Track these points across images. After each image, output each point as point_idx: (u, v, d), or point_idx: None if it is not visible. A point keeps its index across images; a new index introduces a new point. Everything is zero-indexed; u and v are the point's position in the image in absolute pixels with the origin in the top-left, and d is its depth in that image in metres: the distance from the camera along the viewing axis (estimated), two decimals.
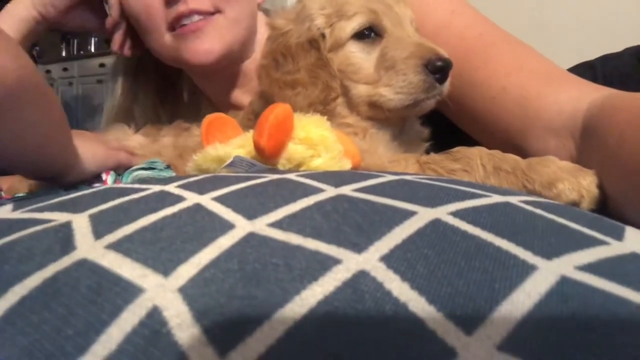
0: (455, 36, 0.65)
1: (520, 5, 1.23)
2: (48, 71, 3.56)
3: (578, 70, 0.62)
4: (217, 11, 0.67)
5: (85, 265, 0.20)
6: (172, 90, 0.87)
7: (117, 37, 0.76)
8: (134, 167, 0.59)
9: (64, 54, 3.57)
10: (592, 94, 0.52)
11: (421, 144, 0.65)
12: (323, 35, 0.61)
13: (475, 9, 0.69)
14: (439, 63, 0.56)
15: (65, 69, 3.56)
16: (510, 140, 0.58)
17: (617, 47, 0.74)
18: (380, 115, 0.60)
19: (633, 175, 0.40)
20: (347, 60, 0.60)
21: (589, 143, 0.49)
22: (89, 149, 0.58)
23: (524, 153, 0.50)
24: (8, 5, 0.76)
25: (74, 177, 0.57)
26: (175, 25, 0.67)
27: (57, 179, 0.56)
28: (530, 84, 0.58)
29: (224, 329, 0.17)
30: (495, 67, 0.62)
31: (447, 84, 0.58)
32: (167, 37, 0.69)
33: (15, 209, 0.28)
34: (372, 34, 0.60)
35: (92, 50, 3.36)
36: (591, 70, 0.68)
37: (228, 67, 0.72)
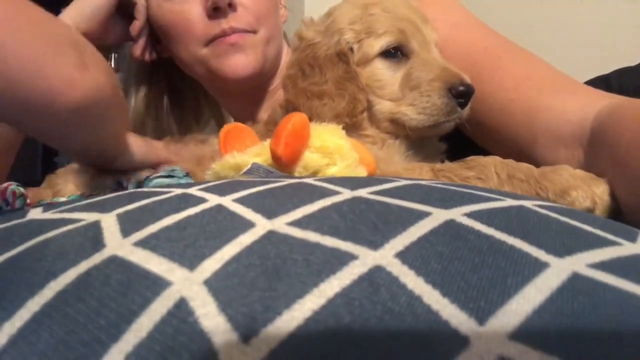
0: (461, 49, 0.66)
1: (534, 18, 1.23)
2: None
3: (593, 84, 0.62)
4: (252, 31, 0.70)
5: (115, 262, 0.21)
6: (179, 98, 0.89)
7: (141, 43, 0.77)
8: (154, 175, 0.60)
9: None
10: (600, 102, 0.52)
11: (438, 157, 0.65)
12: (351, 49, 0.62)
13: (481, 21, 0.70)
14: (462, 88, 0.57)
15: None
16: (521, 151, 0.59)
17: (633, 61, 0.74)
18: (400, 132, 0.61)
19: None
20: (373, 76, 0.61)
21: (597, 151, 0.49)
22: (135, 141, 0.63)
23: (535, 163, 0.50)
24: None
25: (121, 165, 0.62)
26: (213, 39, 0.69)
27: (107, 163, 0.61)
28: (537, 94, 0.59)
29: (247, 317, 0.18)
30: (502, 79, 0.62)
31: (467, 109, 0.59)
32: (203, 51, 0.70)
33: (45, 210, 0.29)
34: (399, 54, 0.61)
35: (113, 66, 3.44)
36: (606, 84, 0.68)
37: (255, 84, 0.74)
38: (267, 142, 0.40)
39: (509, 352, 0.16)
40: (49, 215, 0.28)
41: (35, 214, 0.29)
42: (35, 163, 1.99)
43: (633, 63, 0.74)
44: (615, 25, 1.16)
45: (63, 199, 0.58)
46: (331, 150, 0.40)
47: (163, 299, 0.19)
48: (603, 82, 0.70)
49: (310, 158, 0.39)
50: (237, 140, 0.45)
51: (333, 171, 0.40)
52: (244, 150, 0.42)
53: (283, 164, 0.38)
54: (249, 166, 0.38)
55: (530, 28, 1.09)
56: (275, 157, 0.38)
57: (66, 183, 0.67)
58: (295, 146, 0.38)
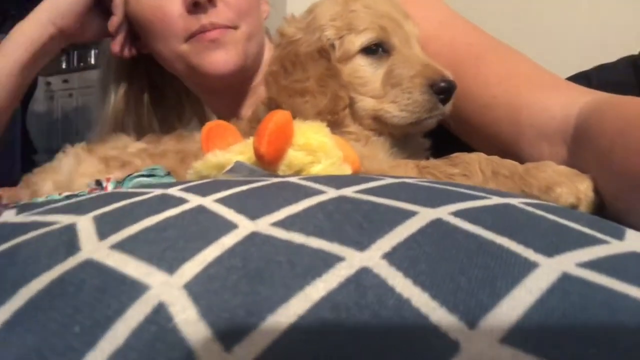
0: (444, 47, 0.66)
1: (518, 14, 1.24)
2: (48, 83, 3.59)
3: (574, 80, 0.62)
4: (233, 27, 0.68)
5: (90, 266, 0.20)
6: (160, 95, 0.87)
7: (120, 39, 0.75)
8: (135, 174, 0.59)
9: (64, 65, 3.60)
10: (583, 98, 0.52)
11: (422, 154, 0.65)
12: (333, 46, 0.61)
13: (465, 18, 0.70)
14: (444, 84, 0.57)
15: (65, 81, 3.58)
16: (505, 148, 0.59)
17: (614, 57, 0.75)
18: (383, 129, 0.61)
19: (626, 178, 0.40)
20: (355, 72, 0.61)
21: (581, 148, 0.49)
22: None
23: (519, 159, 0.50)
24: (21, 23, 0.74)
25: None
26: (193, 35, 0.67)
27: None
28: (520, 91, 0.59)
29: (229, 324, 0.17)
30: (485, 76, 0.62)
31: (449, 105, 0.59)
32: (183, 47, 0.69)
33: (19, 212, 0.28)
34: (380, 50, 0.61)
35: (92, 62, 3.39)
36: (586, 80, 0.69)
37: (237, 81, 0.73)
38: (250, 140, 0.39)
39: (499, 356, 0.15)
40: (22, 218, 0.27)
41: (8, 216, 0.28)
42: (15, 161, 1.96)
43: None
44: (600, 24, 1.18)
45: (41, 200, 0.56)
46: (315, 148, 0.39)
47: (140, 304, 0.18)
48: (584, 78, 0.71)
49: (294, 156, 0.38)
50: (220, 138, 0.44)
51: (317, 169, 0.39)
52: (227, 149, 0.41)
53: (266, 162, 0.37)
54: (231, 165, 0.37)
55: (515, 26, 1.10)
56: (258, 155, 0.37)
57: (44, 182, 0.66)
58: (279, 144, 0.38)
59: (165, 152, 0.65)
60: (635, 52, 0.73)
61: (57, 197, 0.53)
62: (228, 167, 0.37)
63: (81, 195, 0.31)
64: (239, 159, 0.38)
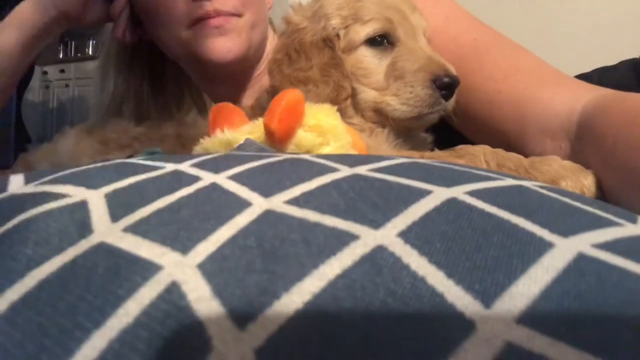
0: (450, 42, 0.66)
1: (521, 17, 1.25)
2: (45, 72, 3.56)
3: None
4: (237, 14, 0.68)
5: (103, 248, 0.20)
6: (160, 84, 0.87)
7: (122, 23, 0.74)
8: (136, 157, 0.58)
9: (61, 55, 3.58)
10: (587, 94, 0.53)
11: (426, 147, 0.65)
12: (338, 36, 0.61)
13: (470, 13, 0.70)
14: (447, 80, 0.57)
15: (62, 71, 3.56)
16: (508, 143, 0.59)
17: (615, 60, 0.76)
18: (384, 122, 0.61)
19: (629, 174, 0.41)
20: (358, 63, 0.61)
21: (584, 144, 0.50)
22: None
23: (522, 154, 0.50)
24: (21, 4, 0.73)
25: None
26: (197, 21, 0.67)
27: None
28: (525, 87, 0.59)
29: (243, 301, 0.17)
30: (490, 71, 0.62)
31: (452, 101, 0.59)
32: (186, 33, 0.68)
33: (27, 181, 0.28)
34: (385, 42, 0.61)
35: (90, 52, 3.37)
36: (587, 81, 0.70)
37: (239, 70, 0.73)
38: (259, 121, 0.39)
39: (515, 337, 0.15)
40: (32, 188, 0.26)
41: (17, 186, 0.27)
42: (8, 149, 1.94)
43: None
44: (601, 26, 1.19)
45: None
46: (325, 130, 0.39)
47: (153, 283, 0.18)
48: (585, 79, 0.71)
49: (303, 136, 0.38)
50: (227, 120, 0.44)
51: (326, 151, 0.39)
52: (235, 128, 0.41)
53: (276, 140, 0.37)
54: (242, 142, 0.37)
55: (518, 29, 1.11)
56: (268, 132, 0.37)
57: (41, 162, 0.65)
58: (289, 122, 0.37)
59: (165, 136, 0.65)
60: (636, 55, 0.74)
61: None
62: (237, 145, 0.37)
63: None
64: (249, 137, 0.38)
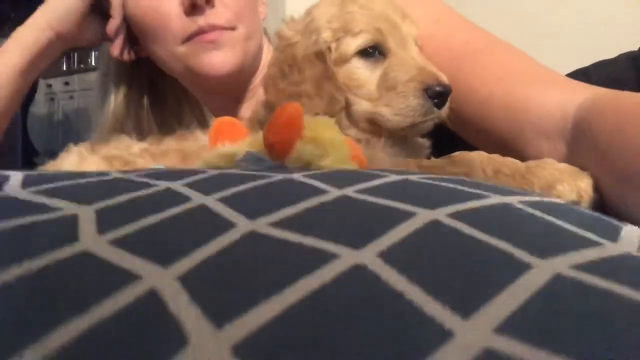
0: (441, 45, 0.66)
1: (516, 11, 1.25)
2: (49, 85, 3.59)
3: (573, 77, 0.62)
4: (230, 28, 0.69)
5: (85, 256, 0.21)
6: (160, 98, 0.88)
7: (119, 42, 0.75)
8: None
9: (64, 67, 3.61)
10: (582, 94, 0.52)
11: (423, 152, 0.66)
12: (330, 49, 0.62)
13: (461, 15, 0.70)
14: (439, 89, 0.57)
15: (66, 83, 3.59)
16: (505, 145, 0.59)
17: (614, 53, 0.75)
18: (379, 132, 0.62)
19: (625, 175, 0.41)
20: (351, 75, 0.61)
21: (580, 144, 0.50)
22: None
23: (518, 156, 0.50)
24: (19, 28, 0.74)
25: None
26: (191, 37, 0.68)
27: None
28: (518, 88, 0.59)
29: (222, 307, 0.17)
30: (482, 74, 0.63)
31: (445, 108, 0.60)
32: (181, 49, 0.69)
33: (25, 184, 0.28)
34: (377, 53, 0.61)
35: (93, 63, 3.39)
36: (585, 76, 0.69)
37: (235, 82, 0.73)
38: (260, 134, 0.40)
39: (495, 344, 0.16)
40: (26, 195, 0.27)
41: (14, 188, 0.28)
42: (16, 164, 1.96)
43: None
44: (599, 20, 1.19)
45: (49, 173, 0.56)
46: (324, 142, 0.40)
47: (131, 287, 0.18)
48: (583, 75, 0.71)
49: (303, 149, 0.39)
50: (228, 133, 0.45)
51: (325, 163, 0.40)
52: (236, 142, 0.42)
53: (276, 153, 0.38)
54: (243, 153, 0.38)
55: (513, 23, 1.11)
56: (268, 145, 0.38)
57: None
58: (289, 135, 0.38)
59: (167, 151, 0.66)
60: (635, 49, 0.73)
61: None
62: (239, 157, 0.38)
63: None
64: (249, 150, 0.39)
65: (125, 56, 0.77)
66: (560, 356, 0.15)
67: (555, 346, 0.16)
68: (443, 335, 0.16)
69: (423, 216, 0.24)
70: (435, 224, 0.23)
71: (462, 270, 0.20)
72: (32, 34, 0.73)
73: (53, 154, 0.73)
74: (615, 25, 1.16)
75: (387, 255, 0.20)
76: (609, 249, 0.23)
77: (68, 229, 0.23)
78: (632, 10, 1.19)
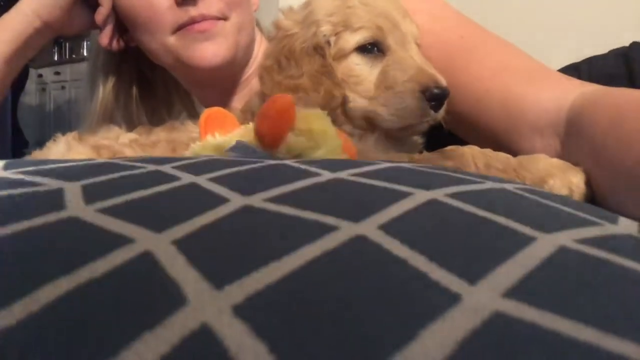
0: (436, 40, 0.66)
1: (512, 7, 1.26)
2: (40, 75, 3.55)
3: (565, 72, 0.62)
4: (222, 18, 0.67)
5: (73, 221, 0.20)
6: (149, 89, 0.86)
7: (107, 31, 0.73)
8: None
9: (56, 57, 3.57)
10: (575, 90, 0.52)
11: (416, 148, 0.66)
12: (329, 42, 0.61)
13: (457, 10, 0.69)
14: (436, 91, 0.56)
15: (57, 73, 3.55)
16: (499, 141, 0.59)
17: (605, 49, 0.75)
18: (373, 130, 0.61)
19: (618, 171, 0.41)
20: (350, 71, 0.60)
21: (573, 140, 0.50)
22: None
23: (512, 152, 0.50)
24: (5, 16, 0.72)
25: None
26: (182, 27, 0.66)
27: None
28: (513, 84, 0.59)
29: (220, 270, 0.17)
30: (477, 70, 0.62)
31: (442, 111, 0.59)
32: (172, 39, 0.68)
33: (7, 168, 0.28)
34: (376, 50, 0.61)
35: (85, 54, 3.36)
36: (576, 72, 0.69)
37: (227, 74, 0.72)
38: (251, 125, 0.40)
39: (504, 307, 0.15)
40: (10, 174, 0.26)
41: None
42: (5, 155, 1.95)
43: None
44: (591, 16, 1.20)
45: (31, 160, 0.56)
46: (316, 134, 0.39)
47: (124, 250, 0.17)
48: (574, 70, 0.71)
49: (294, 140, 0.39)
50: (218, 125, 0.44)
51: (317, 155, 0.39)
52: (226, 133, 0.41)
53: (267, 144, 0.38)
54: (233, 143, 0.37)
55: (508, 19, 1.11)
56: (259, 135, 0.37)
57: None
58: (280, 126, 0.38)
59: (157, 142, 0.65)
60: (626, 44, 0.73)
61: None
62: (229, 147, 0.38)
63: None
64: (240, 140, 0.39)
65: (114, 45, 0.75)
66: (569, 319, 0.15)
67: (563, 310, 0.15)
68: (451, 298, 0.15)
69: (421, 195, 0.23)
70: (434, 202, 0.23)
71: (466, 241, 0.19)
72: (18, 22, 0.71)
73: (44, 145, 0.72)
74: (607, 22, 1.16)
75: (388, 228, 0.20)
76: (611, 229, 0.23)
77: (54, 199, 0.22)
78: (623, 6, 1.19)
